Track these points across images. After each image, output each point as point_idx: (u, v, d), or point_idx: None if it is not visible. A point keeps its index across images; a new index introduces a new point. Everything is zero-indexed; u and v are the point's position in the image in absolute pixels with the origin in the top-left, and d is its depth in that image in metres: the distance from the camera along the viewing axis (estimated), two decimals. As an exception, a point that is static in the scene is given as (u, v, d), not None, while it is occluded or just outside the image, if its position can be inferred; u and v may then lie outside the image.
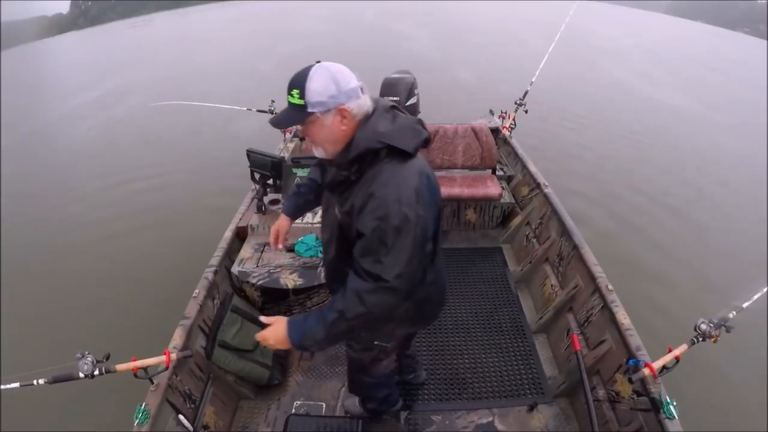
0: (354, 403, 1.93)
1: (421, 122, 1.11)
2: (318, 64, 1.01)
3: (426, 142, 1.10)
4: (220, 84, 9.65)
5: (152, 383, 1.49)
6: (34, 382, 1.30)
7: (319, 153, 1.10)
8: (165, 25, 25.53)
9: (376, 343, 1.39)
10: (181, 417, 1.55)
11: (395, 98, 3.65)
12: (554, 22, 4.42)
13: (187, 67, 12.29)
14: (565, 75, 9.35)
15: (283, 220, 1.56)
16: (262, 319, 1.16)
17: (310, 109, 0.99)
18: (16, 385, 1.28)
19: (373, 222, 0.99)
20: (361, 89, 1.03)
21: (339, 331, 1.07)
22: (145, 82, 10.93)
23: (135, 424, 1.38)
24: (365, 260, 1.02)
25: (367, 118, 1.04)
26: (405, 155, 1.04)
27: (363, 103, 1.03)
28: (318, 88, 0.98)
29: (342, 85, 0.99)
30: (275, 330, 1.11)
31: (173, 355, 1.50)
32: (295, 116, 1.02)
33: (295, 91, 0.99)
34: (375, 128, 1.02)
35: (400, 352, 1.53)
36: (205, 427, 1.72)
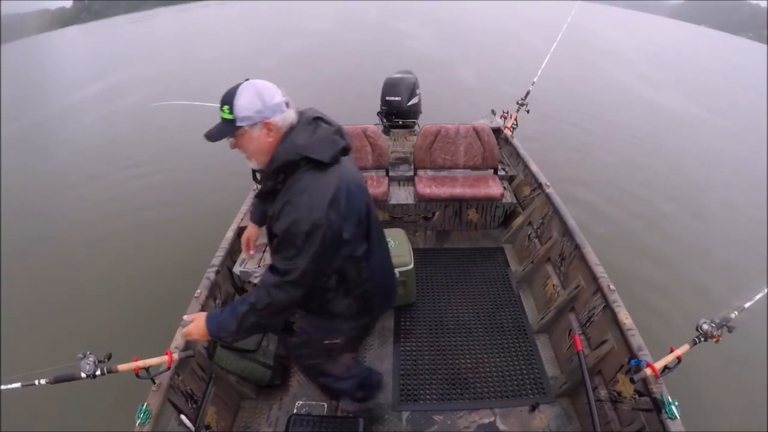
0: (348, 401, 1.93)
1: (340, 132, 1.19)
2: (246, 82, 1.12)
3: (345, 151, 1.19)
4: (222, 80, 9.51)
5: (154, 383, 1.49)
6: (36, 382, 1.31)
7: (252, 164, 1.20)
8: (168, 21, 25.54)
9: (326, 342, 1.45)
10: (182, 417, 1.55)
11: (397, 98, 3.66)
12: (556, 23, 4.42)
13: (189, 63, 12.29)
14: (566, 76, 9.32)
15: (250, 228, 1.66)
16: (185, 317, 1.33)
17: (238, 123, 1.10)
18: (17, 385, 1.29)
19: (286, 225, 1.10)
20: (286, 104, 1.14)
21: (250, 323, 1.19)
22: (147, 77, 10.92)
23: (137, 424, 1.38)
24: (277, 258, 1.15)
25: (291, 129, 1.14)
26: (323, 164, 1.12)
27: (287, 116, 1.13)
28: (245, 103, 1.08)
29: (267, 100, 1.09)
30: (196, 324, 1.26)
31: (175, 355, 1.50)
32: (226, 129, 1.12)
33: (225, 107, 1.09)
34: (294, 141, 1.12)
35: (355, 348, 1.59)
36: (207, 427, 1.72)
